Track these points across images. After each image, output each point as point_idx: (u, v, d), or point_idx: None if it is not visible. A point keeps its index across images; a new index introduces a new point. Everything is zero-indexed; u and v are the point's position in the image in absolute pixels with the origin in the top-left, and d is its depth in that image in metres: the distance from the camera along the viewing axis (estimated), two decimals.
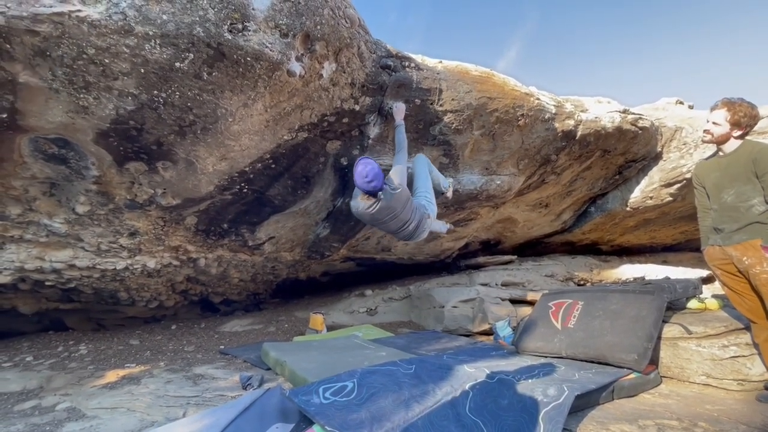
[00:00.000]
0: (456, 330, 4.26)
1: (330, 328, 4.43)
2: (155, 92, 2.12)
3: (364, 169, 2.59)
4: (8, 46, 1.75)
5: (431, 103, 3.25)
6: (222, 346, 3.94)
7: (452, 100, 3.29)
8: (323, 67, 2.53)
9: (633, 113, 4.50)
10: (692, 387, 2.43)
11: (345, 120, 3.00)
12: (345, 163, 3.41)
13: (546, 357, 2.84)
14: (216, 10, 1.92)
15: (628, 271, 6.43)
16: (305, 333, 4.31)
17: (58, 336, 4.37)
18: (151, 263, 3.72)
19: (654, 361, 2.59)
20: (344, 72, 2.67)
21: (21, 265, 3.15)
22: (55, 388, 2.82)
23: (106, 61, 1.90)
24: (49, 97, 2.01)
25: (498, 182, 4.22)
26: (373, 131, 3.26)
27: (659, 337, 2.62)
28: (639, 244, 7.22)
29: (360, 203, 2.78)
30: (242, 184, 3.15)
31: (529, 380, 2.22)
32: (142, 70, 1.98)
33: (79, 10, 1.72)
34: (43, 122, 2.15)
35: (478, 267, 5.88)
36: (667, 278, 3.61)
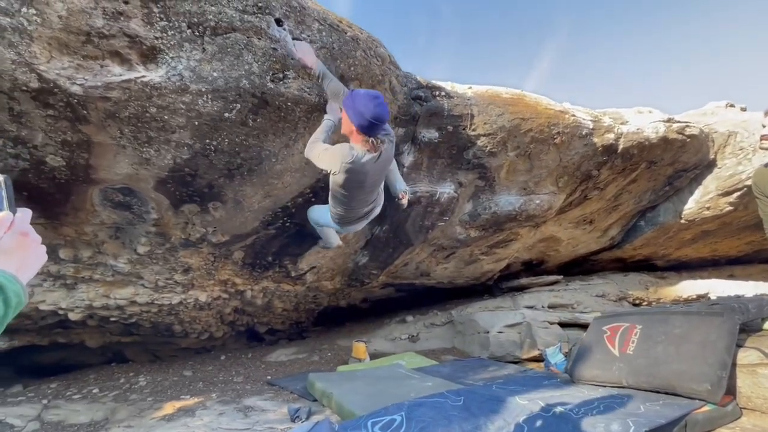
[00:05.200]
0: (503, 357, 4.09)
1: (372, 356, 4.40)
2: (207, 141, 2.30)
3: (369, 93, 1.90)
4: (85, 112, 1.98)
5: (464, 129, 3.28)
6: (269, 377, 4.01)
7: (484, 123, 3.30)
8: None
9: (679, 121, 4.28)
10: None
11: None
12: None
13: (605, 386, 2.66)
14: (259, 63, 2.09)
15: (689, 288, 5.94)
16: (348, 362, 4.30)
17: (119, 368, 4.65)
18: (203, 297, 3.91)
19: (731, 391, 2.35)
20: None
21: (90, 303, 3.42)
22: (119, 420, 2.98)
23: (166, 117, 2.10)
24: (117, 153, 2.25)
25: (537, 202, 4.12)
26: (408, 159, 3.32)
27: (734, 364, 2.39)
28: (699, 257, 6.67)
29: (357, 152, 1.99)
30: (285, 219, 3.29)
31: (589, 414, 2.08)
32: (196, 123, 2.17)
33: (143, 76, 1.94)
34: (111, 174, 2.39)
35: (521, 289, 5.67)
36: (737, 297, 3.30)
